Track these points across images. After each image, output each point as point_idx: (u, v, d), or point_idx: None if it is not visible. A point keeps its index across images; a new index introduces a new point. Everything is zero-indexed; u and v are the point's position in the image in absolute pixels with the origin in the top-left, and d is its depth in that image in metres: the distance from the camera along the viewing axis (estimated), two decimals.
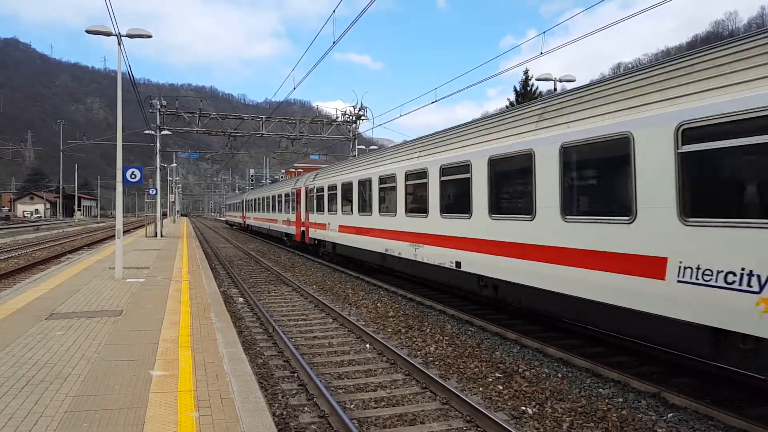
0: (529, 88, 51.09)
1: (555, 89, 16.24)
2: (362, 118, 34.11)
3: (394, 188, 13.13)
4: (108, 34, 13.19)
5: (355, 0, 13.51)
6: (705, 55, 5.80)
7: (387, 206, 13.76)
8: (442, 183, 10.83)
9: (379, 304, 12.49)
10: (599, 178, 7.36)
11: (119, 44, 13.39)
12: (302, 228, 23.96)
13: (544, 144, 7.67)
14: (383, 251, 13.84)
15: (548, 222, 7.58)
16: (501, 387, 6.86)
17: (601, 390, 6.71)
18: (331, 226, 18.85)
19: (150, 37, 13.68)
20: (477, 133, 9.93)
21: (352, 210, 16.67)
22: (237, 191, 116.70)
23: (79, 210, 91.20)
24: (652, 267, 5.87)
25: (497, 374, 7.36)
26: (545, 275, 7.65)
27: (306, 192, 23.29)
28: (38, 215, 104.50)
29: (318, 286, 15.61)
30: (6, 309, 9.16)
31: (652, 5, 11.52)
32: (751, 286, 4.88)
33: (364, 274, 17.99)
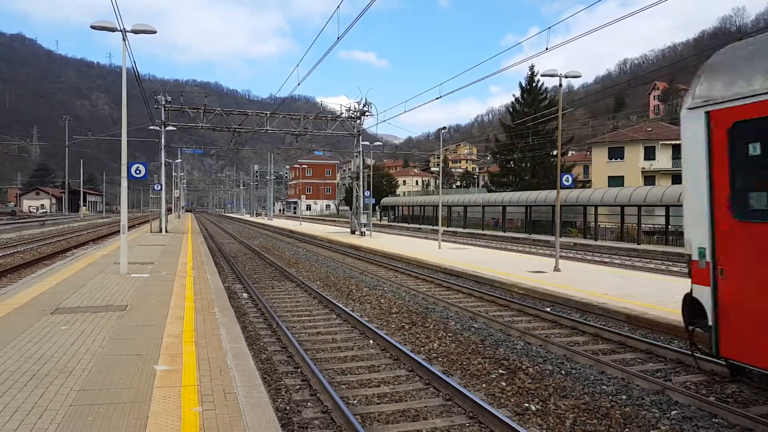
0: (534, 84, 50.96)
1: (560, 85, 16.14)
2: (366, 114, 34.07)
3: None
4: (113, 30, 13.20)
5: None
6: None
7: None
8: None
9: (382, 300, 12.49)
10: None
11: (124, 40, 13.40)
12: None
13: None
14: None
15: None
16: (504, 383, 6.85)
17: (604, 387, 6.70)
18: None
19: (154, 32, 13.67)
20: None
21: None
22: (242, 187, 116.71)
23: (85, 205, 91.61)
24: None
25: (500, 371, 7.36)
26: None
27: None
28: (44, 210, 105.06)
29: (322, 281, 15.64)
30: (12, 303, 9.22)
31: (652, 3, 11.49)
32: None
33: (369, 270, 18.01)
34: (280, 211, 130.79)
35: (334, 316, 10.96)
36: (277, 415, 5.00)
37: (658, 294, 11.77)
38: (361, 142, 34.98)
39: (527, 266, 17.15)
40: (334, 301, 11.95)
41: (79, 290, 10.77)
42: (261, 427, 4.36)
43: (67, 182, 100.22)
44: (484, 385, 6.84)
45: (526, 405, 6.14)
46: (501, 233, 38.46)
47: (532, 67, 51.52)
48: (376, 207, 69.54)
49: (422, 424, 5.62)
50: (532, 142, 47.99)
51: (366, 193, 35.25)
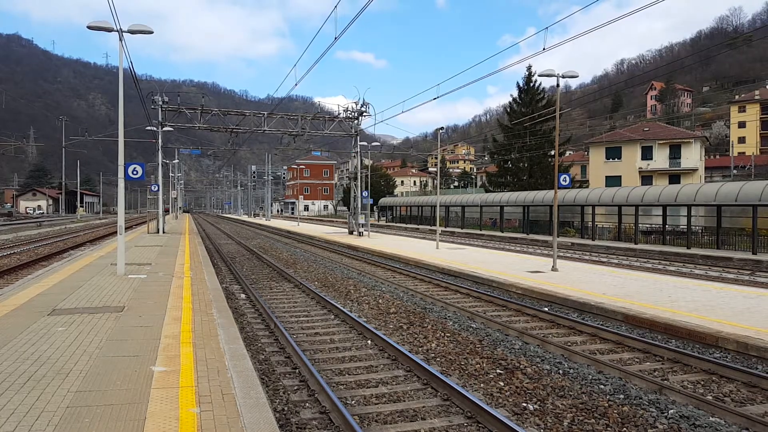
0: (532, 84, 50.99)
1: (558, 85, 16.16)
2: (364, 114, 34.05)
3: None
4: (109, 30, 13.16)
5: None
6: None
7: None
8: None
9: (380, 301, 12.49)
10: None
11: (120, 40, 13.37)
12: None
13: None
14: None
15: None
16: (502, 383, 6.86)
17: (602, 386, 6.71)
18: None
19: (151, 32, 13.64)
20: None
21: None
22: (239, 188, 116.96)
23: (82, 206, 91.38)
24: None
25: (498, 371, 7.36)
26: None
27: None
28: (41, 211, 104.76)
29: (320, 282, 15.62)
30: (8, 305, 9.19)
31: (648, 4, 11.55)
32: None
33: (367, 270, 18.00)
34: (277, 211, 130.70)
35: (332, 316, 10.95)
36: (275, 415, 4.99)
37: (655, 294, 11.79)
38: (358, 143, 34.96)
39: (525, 266, 17.17)
40: (332, 301, 11.94)
41: (76, 291, 10.74)
42: (259, 428, 4.35)
43: (63, 183, 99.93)
44: (482, 384, 6.84)
45: (524, 405, 6.14)
46: (499, 233, 38.49)
47: (529, 68, 51.57)
48: (374, 207, 69.53)
49: (420, 424, 5.62)
50: (529, 142, 48.02)
51: (364, 194, 35.25)
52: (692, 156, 48.08)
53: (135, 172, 15.08)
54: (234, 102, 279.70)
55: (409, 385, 6.76)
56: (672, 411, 5.88)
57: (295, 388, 6.70)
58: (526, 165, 50.25)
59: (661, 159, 48.80)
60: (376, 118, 36.62)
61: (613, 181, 48.06)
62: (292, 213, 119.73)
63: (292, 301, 12.74)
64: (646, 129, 54.26)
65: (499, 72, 17.75)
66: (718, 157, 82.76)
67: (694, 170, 47.59)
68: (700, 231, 28.07)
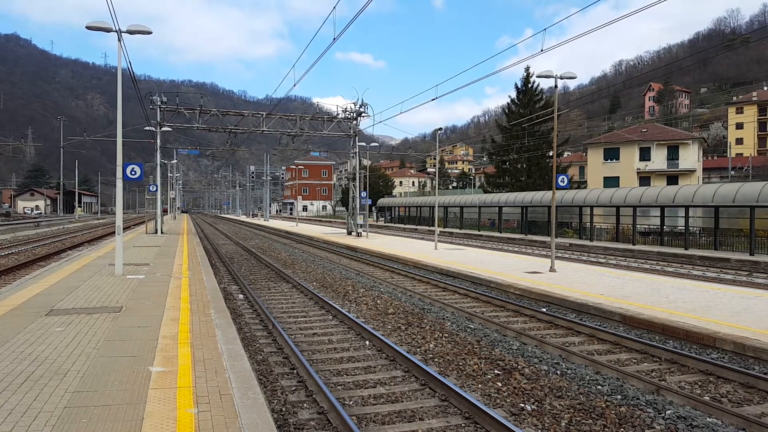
0: (530, 85, 51.04)
1: (556, 86, 16.20)
2: (363, 114, 34.06)
3: None
4: (108, 30, 13.15)
5: (356, 1, 13.49)
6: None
7: None
8: None
9: (378, 301, 12.49)
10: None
11: (119, 40, 13.36)
12: None
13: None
14: None
15: None
16: (500, 384, 6.87)
17: (600, 387, 6.72)
18: None
19: (150, 33, 13.63)
20: None
21: None
22: (238, 188, 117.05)
23: (80, 206, 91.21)
24: None
25: (496, 371, 7.37)
26: None
27: None
28: (38, 212, 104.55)
29: (318, 282, 15.62)
30: (6, 305, 9.17)
31: (645, 6, 11.60)
32: None
33: (366, 271, 18.00)
34: (276, 212, 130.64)
35: (331, 317, 10.95)
36: (273, 416, 4.99)
37: (653, 294, 11.81)
38: (357, 143, 34.96)
39: (523, 267, 17.18)
40: (330, 302, 11.94)
41: (74, 292, 10.73)
42: (257, 428, 4.36)
43: (62, 183, 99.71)
44: (480, 385, 6.85)
45: (522, 405, 6.15)
46: (497, 234, 38.52)
47: (527, 68, 51.66)
48: (373, 208, 69.54)
49: (418, 424, 5.62)
50: (527, 142, 48.06)
51: (362, 194, 35.25)
52: (690, 157, 48.16)
53: (133, 173, 15.07)
54: (233, 102, 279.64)
55: (407, 386, 6.76)
56: (669, 411, 5.89)
57: (293, 388, 6.70)
58: (524, 166, 50.29)
59: (659, 160, 48.87)
60: (374, 119, 36.80)
61: (611, 182, 48.14)
62: (291, 213, 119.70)
63: (290, 301, 12.74)
64: (644, 130, 54.34)
65: (497, 73, 17.80)
66: (715, 158, 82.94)
67: (692, 171, 47.67)
68: (698, 232, 28.12)
